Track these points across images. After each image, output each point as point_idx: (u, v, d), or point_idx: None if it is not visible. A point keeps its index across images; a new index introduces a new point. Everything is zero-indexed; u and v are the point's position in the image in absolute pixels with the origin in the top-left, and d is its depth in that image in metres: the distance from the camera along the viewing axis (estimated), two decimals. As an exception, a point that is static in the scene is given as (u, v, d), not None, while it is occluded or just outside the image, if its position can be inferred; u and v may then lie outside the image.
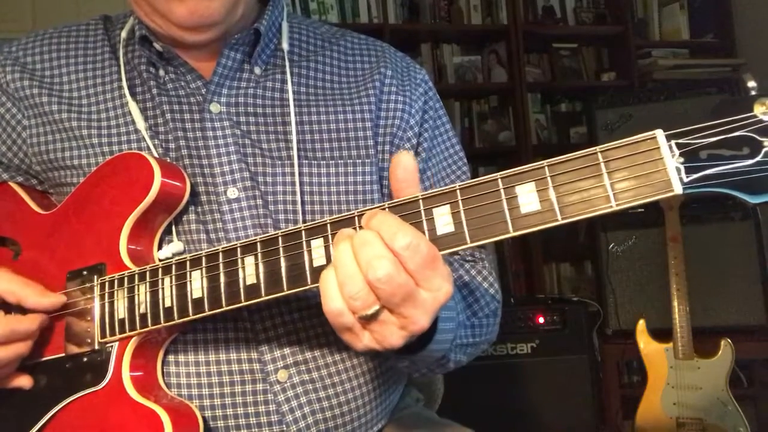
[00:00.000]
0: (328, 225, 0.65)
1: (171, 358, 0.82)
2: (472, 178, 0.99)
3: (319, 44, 0.99)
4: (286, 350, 0.83)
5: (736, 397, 2.08)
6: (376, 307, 0.57)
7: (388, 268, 0.56)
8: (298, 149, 0.88)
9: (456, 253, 0.74)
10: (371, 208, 0.63)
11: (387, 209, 0.62)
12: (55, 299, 0.82)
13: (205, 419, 0.80)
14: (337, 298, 0.58)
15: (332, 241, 0.63)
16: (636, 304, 2.41)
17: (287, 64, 0.93)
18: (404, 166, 0.63)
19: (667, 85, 3.25)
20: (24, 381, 0.82)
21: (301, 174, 0.88)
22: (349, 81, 0.96)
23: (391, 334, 0.59)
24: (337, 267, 0.58)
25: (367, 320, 0.59)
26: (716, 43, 3.58)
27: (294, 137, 0.89)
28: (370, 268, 0.56)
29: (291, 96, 0.91)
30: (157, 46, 0.88)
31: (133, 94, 0.90)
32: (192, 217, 0.85)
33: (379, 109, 0.94)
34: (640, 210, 2.40)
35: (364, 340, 0.60)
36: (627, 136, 0.54)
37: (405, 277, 0.57)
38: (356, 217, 0.64)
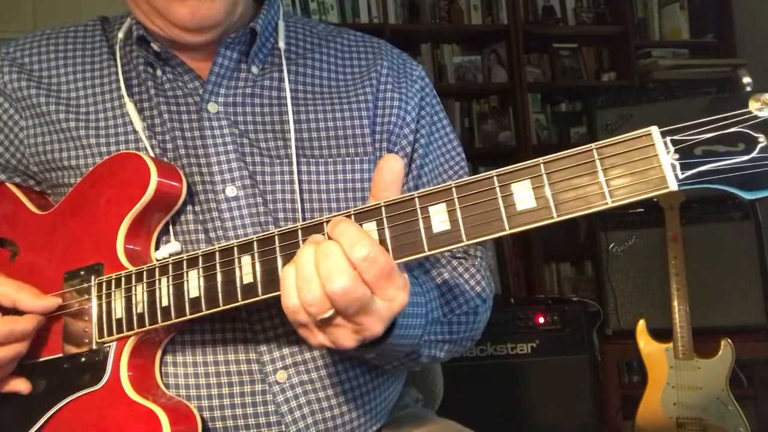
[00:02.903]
0: (325, 224, 0.65)
1: (170, 358, 0.82)
2: (471, 178, 1.00)
3: (316, 42, 0.98)
4: (286, 351, 0.83)
5: (736, 397, 2.08)
6: (331, 311, 0.61)
7: (346, 282, 0.59)
8: (296, 147, 0.88)
9: (450, 250, 0.75)
10: (339, 214, 0.65)
11: (353, 216, 0.64)
12: (50, 302, 0.82)
13: (203, 419, 0.80)
14: (294, 296, 0.61)
15: None
16: (636, 304, 2.40)
17: (284, 62, 0.93)
18: (391, 168, 0.65)
19: (667, 85, 3.25)
20: (21, 386, 0.82)
21: (299, 172, 0.88)
22: (346, 78, 0.96)
23: (345, 336, 0.64)
24: (298, 269, 0.61)
25: (322, 323, 0.62)
26: (716, 43, 3.58)
27: (292, 135, 0.89)
28: (329, 279, 0.59)
29: (288, 94, 0.91)
30: (155, 46, 0.88)
31: (130, 95, 0.90)
32: (190, 216, 0.85)
33: (375, 106, 0.94)
34: (640, 210, 2.40)
35: (318, 338, 0.64)
36: (626, 137, 0.54)
37: (362, 291, 0.60)
38: (353, 215, 0.64)
